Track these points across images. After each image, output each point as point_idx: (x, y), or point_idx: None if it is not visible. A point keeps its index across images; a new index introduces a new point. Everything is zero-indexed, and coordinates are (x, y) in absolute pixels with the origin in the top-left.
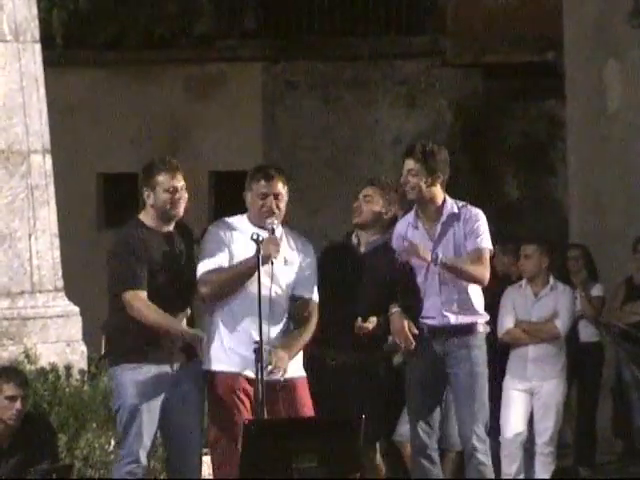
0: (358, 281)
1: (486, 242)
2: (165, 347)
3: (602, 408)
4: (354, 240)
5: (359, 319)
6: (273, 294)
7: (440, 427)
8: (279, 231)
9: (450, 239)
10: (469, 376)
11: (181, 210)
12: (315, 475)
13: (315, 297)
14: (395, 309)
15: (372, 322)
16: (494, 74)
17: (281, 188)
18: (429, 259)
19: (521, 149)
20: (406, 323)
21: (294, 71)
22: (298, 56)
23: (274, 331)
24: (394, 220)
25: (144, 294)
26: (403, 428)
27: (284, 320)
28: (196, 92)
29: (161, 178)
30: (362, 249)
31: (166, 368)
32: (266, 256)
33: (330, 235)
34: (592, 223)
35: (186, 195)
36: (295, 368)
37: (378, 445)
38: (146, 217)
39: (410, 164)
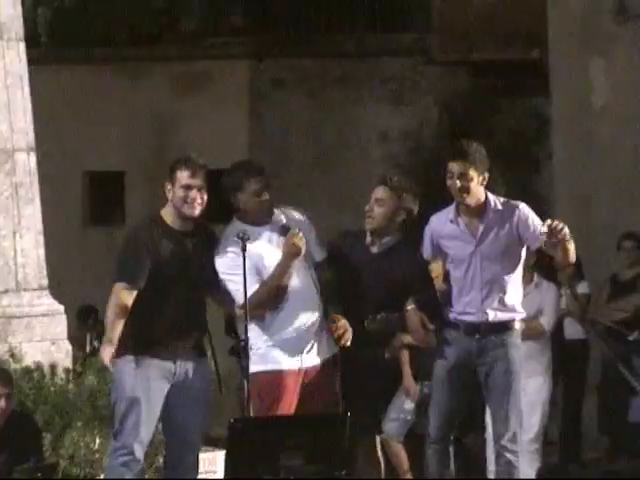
0: (365, 279)
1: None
2: (170, 343)
3: (587, 405)
4: (368, 240)
5: (369, 317)
6: (312, 281)
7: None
8: (277, 215)
9: (494, 238)
10: (505, 375)
11: (196, 210)
12: (302, 472)
13: (324, 254)
14: (411, 306)
15: (379, 317)
16: (480, 71)
17: (267, 180)
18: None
19: (507, 146)
20: (420, 320)
21: (280, 68)
22: (284, 53)
23: (319, 312)
24: (406, 219)
25: (129, 292)
26: (388, 425)
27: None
28: (183, 89)
29: (180, 174)
30: (374, 249)
31: (169, 364)
32: (297, 254)
33: (316, 231)
34: (578, 220)
35: (205, 196)
36: (325, 350)
37: (378, 439)
38: (165, 212)
39: (459, 167)
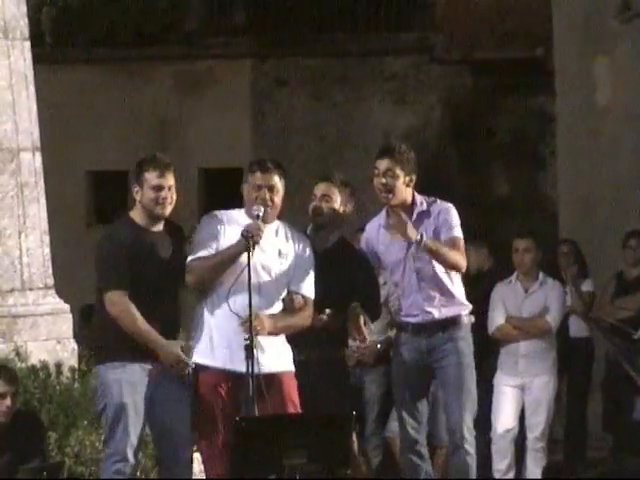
0: (319, 278)
1: (458, 232)
2: (149, 348)
3: (592, 404)
4: (313, 238)
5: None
6: (262, 283)
7: (429, 423)
8: (274, 226)
9: (423, 233)
10: (456, 368)
11: (167, 210)
12: (305, 471)
13: (309, 293)
14: (354, 304)
15: (326, 313)
16: (483, 70)
17: (277, 181)
18: (416, 237)
19: (510, 145)
20: (362, 318)
21: (283, 68)
22: (287, 53)
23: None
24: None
25: (125, 296)
26: (393, 424)
27: (275, 311)
28: (185, 89)
29: (148, 175)
30: (323, 246)
31: (149, 366)
32: (248, 235)
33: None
34: (582, 218)
35: (174, 195)
36: (283, 362)
37: (355, 436)
38: (136, 214)
39: (386, 164)
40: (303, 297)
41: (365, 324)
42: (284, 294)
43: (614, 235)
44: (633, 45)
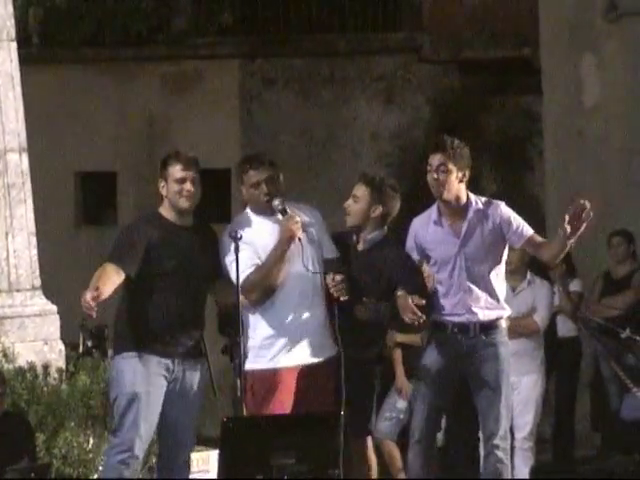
0: (354, 276)
1: (529, 228)
2: (169, 341)
3: (580, 403)
4: (354, 237)
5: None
6: (310, 272)
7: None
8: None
9: (478, 237)
10: (495, 375)
11: (191, 203)
12: (294, 472)
13: (337, 254)
14: (400, 292)
15: (366, 303)
16: (471, 70)
17: (271, 171)
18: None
19: (498, 145)
20: (410, 298)
21: (271, 68)
22: (275, 53)
23: (319, 308)
24: (388, 215)
25: (117, 271)
26: (382, 425)
27: (322, 295)
28: (173, 89)
29: (172, 169)
30: (360, 246)
31: (168, 362)
32: (291, 237)
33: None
34: None
35: (198, 188)
36: (325, 350)
37: (370, 439)
38: (163, 209)
39: (439, 159)
40: (336, 259)
41: (415, 303)
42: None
43: (602, 235)
44: (620, 44)
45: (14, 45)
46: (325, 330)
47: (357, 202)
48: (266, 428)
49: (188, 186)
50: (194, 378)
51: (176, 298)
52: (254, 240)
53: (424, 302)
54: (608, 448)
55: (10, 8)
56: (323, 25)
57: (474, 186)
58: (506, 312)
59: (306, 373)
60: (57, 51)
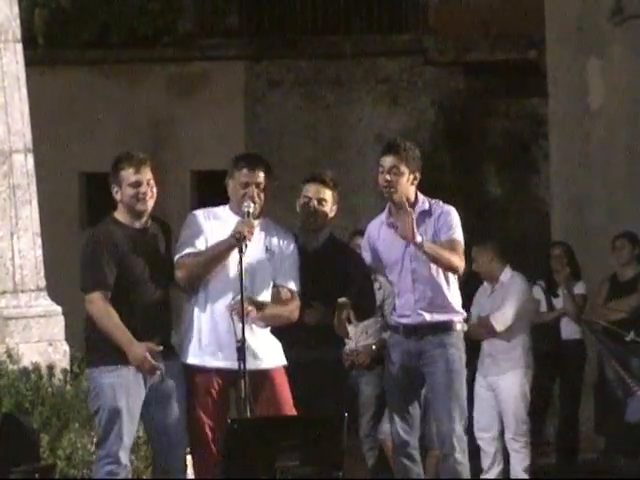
0: (305, 276)
1: (459, 235)
2: None
3: (584, 405)
4: (301, 239)
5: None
6: (250, 278)
7: (422, 425)
8: (260, 220)
9: (422, 236)
10: (445, 374)
11: (149, 205)
12: (298, 473)
13: (295, 287)
14: (342, 299)
15: (315, 307)
16: (477, 72)
17: (263, 177)
18: (418, 239)
19: (503, 147)
20: (345, 313)
21: (276, 69)
22: (280, 54)
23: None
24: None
25: (105, 296)
26: (385, 426)
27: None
28: (179, 91)
29: (124, 173)
30: (314, 245)
31: None
32: (241, 236)
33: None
34: (574, 220)
35: (154, 189)
36: (275, 357)
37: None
38: (119, 214)
39: (391, 161)
40: (290, 290)
41: (348, 319)
42: (270, 288)
43: (606, 237)
44: (626, 47)
45: (20, 46)
46: (263, 339)
47: (323, 205)
48: (270, 430)
49: (144, 189)
50: (172, 377)
51: (145, 303)
52: (213, 229)
53: (354, 322)
54: (612, 451)
55: (16, 9)
56: (328, 27)
57: (478, 188)
58: (458, 315)
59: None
60: (63, 52)
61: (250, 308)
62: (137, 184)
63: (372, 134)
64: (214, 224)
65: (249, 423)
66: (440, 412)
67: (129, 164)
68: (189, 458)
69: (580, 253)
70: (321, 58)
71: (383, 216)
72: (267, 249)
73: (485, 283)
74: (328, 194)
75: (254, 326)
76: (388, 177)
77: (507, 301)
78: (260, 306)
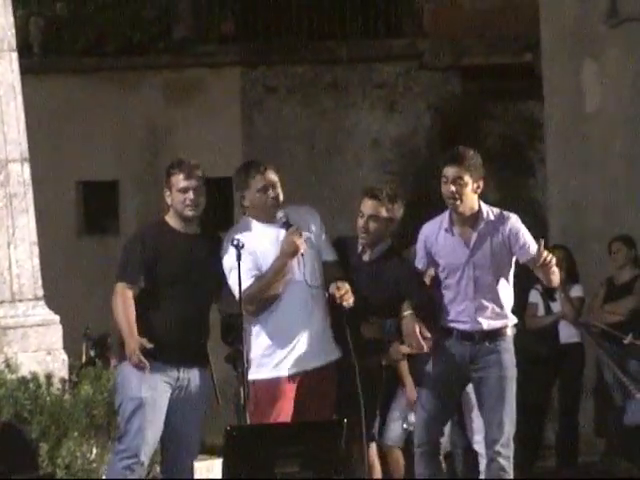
0: (361, 286)
1: (534, 244)
2: (174, 349)
3: (584, 409)
4: (359, 248)
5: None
6: (308, 273)
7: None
8: (283, 213)
9: (487, 248)
10: (499, 381)
11: (196, 211)
12: (298, 479)
13: (336, 256)
14: (407, 312)
15: (374, 323)
16: (472, 76)
17: (275, 176)
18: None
19: (500, 150)
20: (417, 327)
21: (273, 75)
22: (276, 60)
23: (318, 314)
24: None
25: (131, 291)
26: (390, 432)
27: (322, 303)
28: (175, 97)
29: (175, 178)
30: (366, 257)
31: (173, 370)
32: (294, 251)
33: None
34: (571, 223)
35: (202, 196)
36: (335, 351)
37: (374, 445)
38: (169, 217)
39: (454, 171)
40: (333, 263)
41: (421, 333)
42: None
43: (603, 240)
44: (621, 50)
45: (15, 55)
46: (325, 336)
47: (375, 220)
48: (270, 436)
49: (191, 195)
50: (198, 386)
51: (181, 306)
52: (255, 249)
53: (429, 335)
54: (612, 454)
55: (11, 18)
56: (325, 32)
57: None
58: (511, 321)
59: (307, 379)
60: (58, 60)
61: (347, 296)
62: (185, 190)
63: (368, 139)
64: (250, 243)
65: (248, 430)
66: (490, 418)
67: (180, 169)
68: (197, 466)
69: (577, 256)
70: (317, 63)
71: (443, 221)
72: (307, 240)
73: None
74: (382, 210)
75: (315, 324)
76: (453, 188)
77: None
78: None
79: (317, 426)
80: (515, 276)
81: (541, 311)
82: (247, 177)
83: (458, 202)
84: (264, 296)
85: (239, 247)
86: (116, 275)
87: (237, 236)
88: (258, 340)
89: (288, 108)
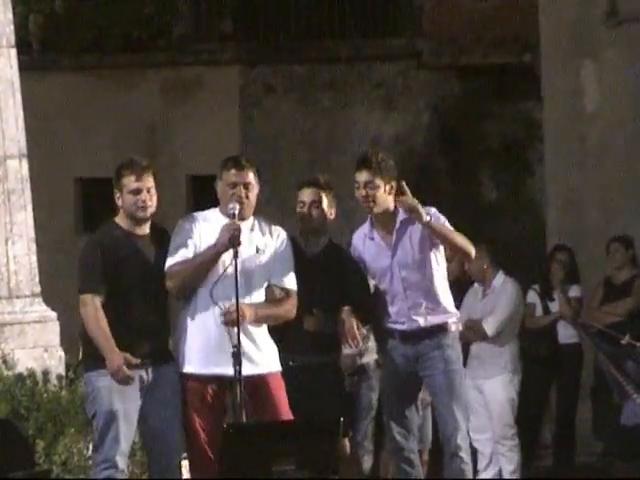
0: (306, 282)
1: (452, 228)
2: (138, 352)
3: (581, 409)
4: (302, 243)
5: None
6: (242, 281)
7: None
8: (250, 222)
9: (407, 245)
10: (445, 376)
11: (148, 212)
12: (294, 478)
13: (291, 285)
14: (345, 308)
15: (315, 315)
16: (471, 76)
17: (252, 178)
18: (425, 218)
19: (499, 150)
20: (354, 322)
21: (271, 74)
22: (275, 59)
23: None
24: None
25: (97, 299)
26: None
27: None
28: (174, 96)
29: (126, 180)
30: (313, 250)
31: (141, 373)
32: (224, 243)
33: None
34: (569, 223)
35: (154, 197)
36: (271, 362)
37: (347, 441)
38: (120, 219)
39: (366, 176)
40: (285, 290)
41: (358, 328)
42: (264, 288)
43: (601, 240)
44: (620, 50)
45: (14, 52)
46: (259, 343)
47: (318, 207)
48: (266, 434)
49: (144, 196)
50: (167, 383)
51: (141, 308)
52: (202, 233)
53: (364, 332)
54: (610, 454)
55: (10, 15)
56: (323, 31)
57: (473, 191)
58: (452, 316)
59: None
60: (57, 57)
61: (240, 316)
62: (137, 191)
63: (367, 138)
64: (203, 228)
65: (245, 428)
66: (443, 413)
67: (131, 171)
68: (185, 464)
69: (575, 256)
70: (316, 62)
71: (365, 229)
72: (258, 250)
73: (476, 284)
74: (322, 197)
75: (251, 330)
76: (364, 192)
77: (499, 307)
78: (251, 309)
79: (313, 425)
80: (512, 275)
81: (539, 311)
82: (223, 168)
83: (372, 204)
84: (187, 279)
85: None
86: (79, 287)
87: (198, 218)
88: (189, 331)
89: (287, 107)
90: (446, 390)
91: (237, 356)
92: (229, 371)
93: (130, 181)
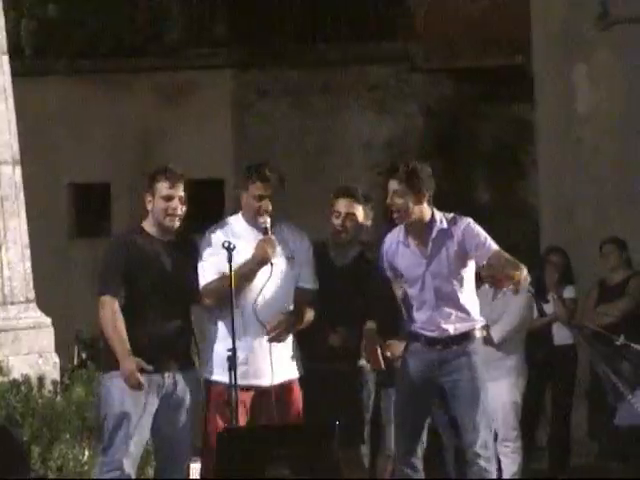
0: (332, 292)
1: (494, 244)
2: (157, 356)
3: (577, 410)
4: (331, 252)
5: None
6: (274, 293)
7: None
8: (277, 230)
9: (443, 256)
10: (469, 383)
11: (176, 222)
12: None
13: (312, 285)
14: (370, 325)
15: (339, 332)
16: (464, 78)
17: (277, 189)
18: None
19: (492, 153)
20: (378, 346)
21: (264, 78)
22: (268, 63)
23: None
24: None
25: (115, 302)
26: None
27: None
28: (167, 100)
29: (160, 185)
30: (343, 261)
31: (157, 377)
32: (263, 259)
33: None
34: (563, 226)
35: (184, 207)
36: (294, 370)
37: (363, 448)
38: (147, 224)
39: (394, 185)
40: (306, 291)
41: (382, 350)
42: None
43: (595, 242)
44: (612, 52)
45: (6, 58)
46: (287, 352)
47: (353, 219)
48: (261, 439)
49: (174, 204)
50: (186, 390)
51: (161, 313)
52: (234, 245)
53: (388, 354)
54: (605, 456)
55: (1, 21)
56: (316, 35)
57: (467, 194)
58: (479, 323)
59: (263, 393)
60: (50, 63)
61: (287, 329)
62: (169, 198)
63: (360, 141)
64: (235, 242)
65: (240, 432)
66: (464, 420)
67: (165, 177)
68: (193, 466)
69: (569, 258)
70: (309, 66)
71: (400, 235)
72: (288, 258)
73: (486, 286)
74: (359, 209)
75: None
76: (390, 201)
77: (507, 316)
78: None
79: (309, 429)
80: None
81: (534, 313)
82: (248, 179)
83: (402, 214)
84: (223, 295)
85: (230, 249)
86: (99, 288)
87: (221, 227)
88: (221, 343)
89: (280, 111)
90: (470, 398)
91: (232, 361)
92: (265, 382)
93: (163, 187)
